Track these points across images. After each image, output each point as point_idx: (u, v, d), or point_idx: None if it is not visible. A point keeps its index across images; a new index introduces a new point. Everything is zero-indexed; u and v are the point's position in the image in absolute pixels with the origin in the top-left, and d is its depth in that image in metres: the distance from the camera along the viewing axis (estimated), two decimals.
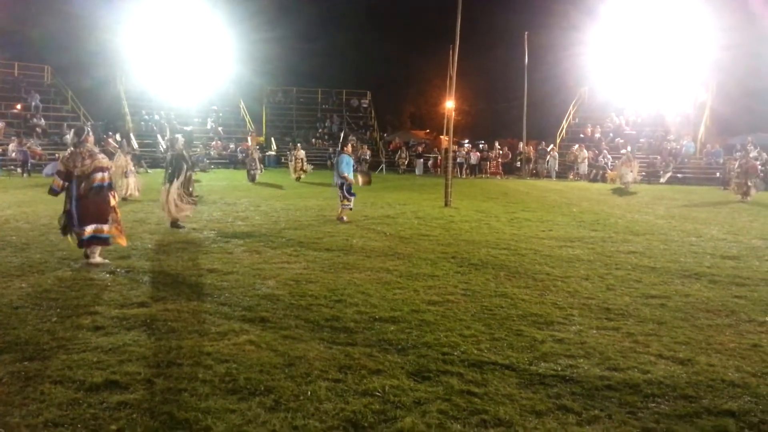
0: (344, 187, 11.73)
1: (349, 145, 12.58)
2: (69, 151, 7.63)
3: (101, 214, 7.29)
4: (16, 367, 3.99)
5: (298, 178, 23.53)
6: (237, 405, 3.53)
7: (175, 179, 10.38)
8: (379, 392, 3.74)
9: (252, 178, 22.77)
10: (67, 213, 7.31)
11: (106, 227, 7.31)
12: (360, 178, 13.52)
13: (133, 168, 15.80)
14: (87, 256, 7.34)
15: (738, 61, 30.35)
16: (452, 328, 5.05)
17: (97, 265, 7.19)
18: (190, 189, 10.46)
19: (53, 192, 7.47)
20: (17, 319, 5.03)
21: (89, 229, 7.21)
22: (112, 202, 7.44)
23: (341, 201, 11.86)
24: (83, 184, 7.25)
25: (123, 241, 7.63)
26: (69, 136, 6.98)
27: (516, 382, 3.96)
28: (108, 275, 6.70)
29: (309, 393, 3.71)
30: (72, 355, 4.23)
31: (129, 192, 15.12)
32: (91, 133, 7.64)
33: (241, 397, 3.64)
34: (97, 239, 7.30)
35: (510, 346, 4.65)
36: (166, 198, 10.38)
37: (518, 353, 4.50)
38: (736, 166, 19.59)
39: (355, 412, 3.47)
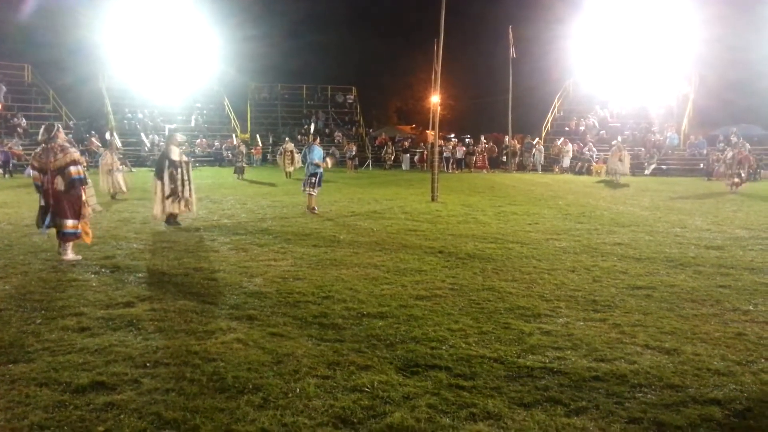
0: (318, 176, 12.40)
1: (317, 136, 13.98)
2: (40, 147, 7.68)
3: (77, 208, 7.47)
4: (0, 370, 3.94)
5: (288, 174, 23.41)
6: (225, 404, 3.51)
7: (160, 179, 10.31)
8: (367, 388, 3.74)
9: (240, 171, 22.99)
10: (41, 208, 7.47)
11: (80, 222, 7.50)
12: (329, 161, 15.13)
13: (120, 166, 15.75)
14: (61, 252, 7.46)
15: (719, 54, 30.69)
16: (440, 323, 5.06)
17: (70, 261, 7.27)
18: (173, 186, 10.28)
19: (39, 188, 7.58)
20: (1, 321, 4.97)
21: (70, 224, 7.38)
22: (84, 197, 7.56)
23: (309, 189, 12.34)
24: (58, 179, 7.36)
25: (88, 239, 7.75)
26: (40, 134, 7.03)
27: (504, 375, 3.98)
28: (93, 275, 6.63)
29: (298, 390, 3.70)
30: (57, 356, 4.18)
31: (116, 189, 15.06)
32: (61, 129, 7.78)
33: (230, 395, 3.62)
34: (73, 234, 7.46)
35: (498, 340, 4.67)
36: (154, 194, 10.44)
37: (506, 346, 4.52)
38: (729, 156, 19.19)
39: (344, 408, 3.47)
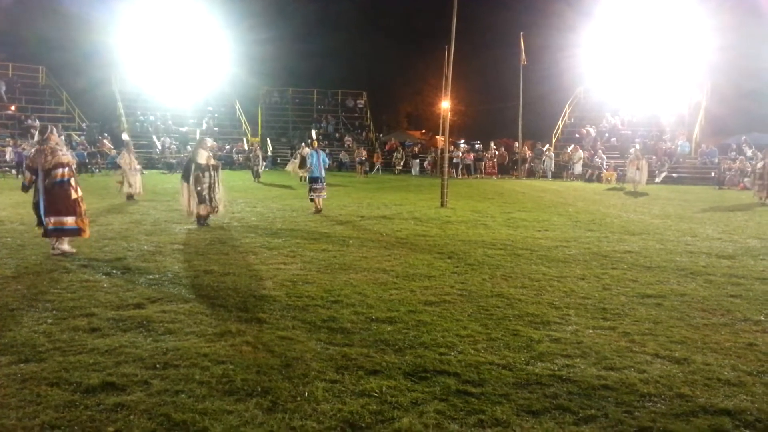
0: (323, 179, 13.21)
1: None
2: (34, 149, 8.02)
3: (65, 207, 7.76)
4: (12, 369, 3.98)
5: (302, 179, 23.67)
6: (234, 406, 3.53)
7: (186, 181, 10.72)
8: (376, 393, 3.74)
9: (256, 175, 23.87)
10: (35, 205, 7.86)
11: (69, 219, 7.77)
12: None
13: (138, 166, 15.96)
14: (54, 247, 7.80)
15: (732, 62, 30.48)
16: (449, 329, 5.06)
17: (63, 252, 7.66)
18: (199, 189, 10.60)
19: (24, 188, 8.08)
20: (13, 320, 5.02)
21: (52, 221, 7.68)
22: (74, 196, 7.85)
23: (319, 193, 13.01)
24: (47, 180, 7.69)
25: (86, 234, 8.06)
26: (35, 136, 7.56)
27: (513, 382, 3.97)
28: (104, 276, 6.68)
29: (306, 394, 3.71)
30: (68, 356, 4.21)
31: (132, 191, 15.22)
32: (54, 132, 8.11)
33: (238, 398, 3.64)
34: (61, 230, 7.76)
35: (506, 346, 4.66)
36: (182, 195, 10.89)
37: (515, 353, 4.51)
38: (759, 166, 18.25)
39: (352, 412, 3.47)
